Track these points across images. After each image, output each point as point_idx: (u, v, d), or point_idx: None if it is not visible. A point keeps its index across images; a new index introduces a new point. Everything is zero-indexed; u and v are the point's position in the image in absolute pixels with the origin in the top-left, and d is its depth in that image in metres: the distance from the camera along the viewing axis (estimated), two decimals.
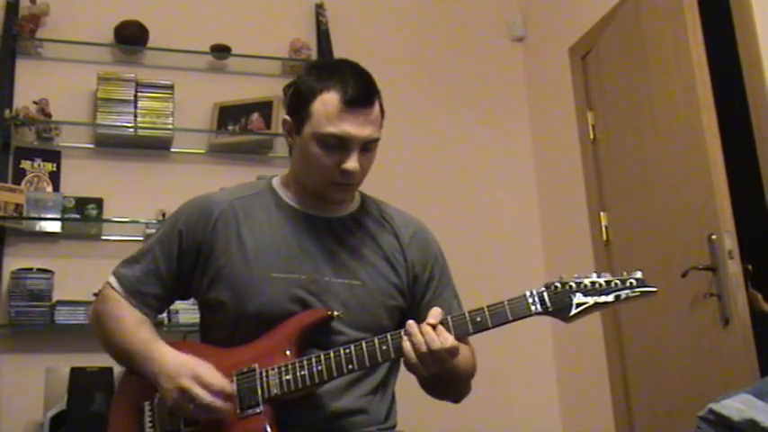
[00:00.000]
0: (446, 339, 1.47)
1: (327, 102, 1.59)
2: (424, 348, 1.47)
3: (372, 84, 1.65)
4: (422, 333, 1.48)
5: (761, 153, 2.58)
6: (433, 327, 1.48)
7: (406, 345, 1.48)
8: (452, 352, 1.48)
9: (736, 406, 1.72)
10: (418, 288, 1.74)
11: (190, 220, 1.69)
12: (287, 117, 1.69)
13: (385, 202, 1.85)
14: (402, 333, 1.51)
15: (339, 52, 3.64)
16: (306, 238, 1.68)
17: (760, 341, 2.44)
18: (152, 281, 1.69)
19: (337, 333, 1.61)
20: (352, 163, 1.60)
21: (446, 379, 1.62)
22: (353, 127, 1.59)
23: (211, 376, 1.52)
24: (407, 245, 1.75)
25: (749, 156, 2.61)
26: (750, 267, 2.62)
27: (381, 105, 1.67)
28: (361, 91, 1.60)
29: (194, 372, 1.52)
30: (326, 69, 1.66)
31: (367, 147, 1.63)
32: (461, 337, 1.52)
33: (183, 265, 1.69)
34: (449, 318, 1.51)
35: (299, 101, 1.65)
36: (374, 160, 1.68)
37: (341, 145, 1.60)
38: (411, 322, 1.51)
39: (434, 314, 1.51)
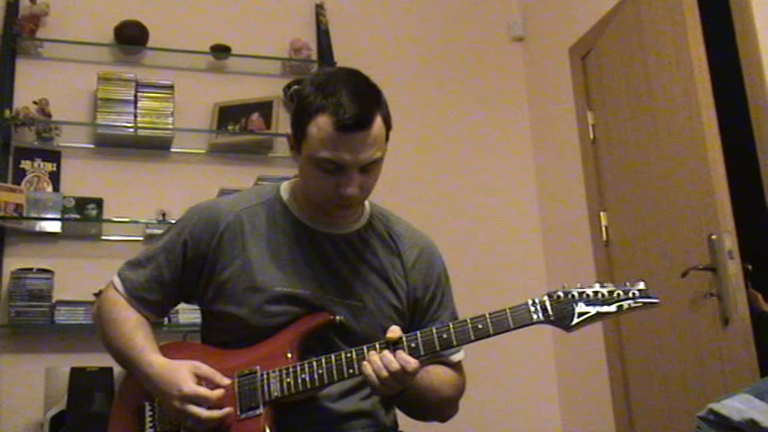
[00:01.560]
0: (401, 358, 1.47)
1: (321, 126, 1.52)
2: (384, 372, 1.46)
3: (371, 102, 1.56)
4: (378, 357, 1.49)
5: (761, 153, 2.58)
6: (389, 343, 1.50)
7: (367, 367, 1.48)
8: (406, 371, 1.47)
9: (736, 406, 1.72)
10: (418, 310, 1.73)
11: (195, 231, 1.68)
12: (290, 131, 1.64)
13: (395, 215, 1.81)
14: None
15: (339, 52, 3.64)
16: (310, 255, 1.66)
17: (760, 341, 2.44)
18: (155, 288, 1.68)
19: (336, 349, 1.59)
20: (350, 188, 1.55)
21: (421, 401, 1.62)
22: (349, 152, 1.52)
23: (201, 391, 1.52)
24: (411, 268, 1.73)
25: (749, 156, 2.61)
26: (750, 267, 2.62)
27: (386, 119, 1.59)
28: (357, 114, 1.51)
29: (182, 393, 1.52)
30: (324, 87, 1.55)
31: (368, 167, 1.57)
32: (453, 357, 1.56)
33: (186, 275, 1.68)
34: (451, 325, 1.51)
35: (297, 119, 1.59)
36: (379, 175, 1.63)
37: (338, 169, 1.55)
38: (372, 352, 1.51)
39: (393, 330, 1.52)
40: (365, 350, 1.52)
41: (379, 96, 1.59)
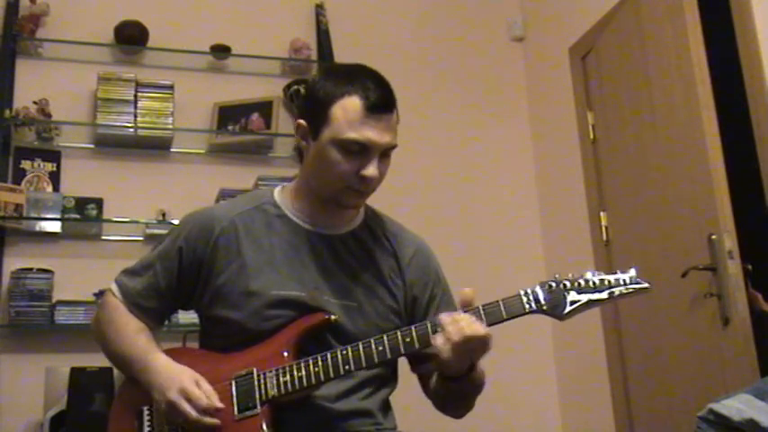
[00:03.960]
0: (478, 328, 1.46)
1: (349, 107, 1.57)
2: (456, 338, 1.45)
3: (392, 90, 1.63)
4: (454, 322, 1.46)
5: (761, 153, 2.58)
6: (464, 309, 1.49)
7: (438, 337, 1.47)
8: (484, 341, 1.47)
9: (737, 406, 1.72)
10: (419, 309, 1.74)
11: (190, 237, 1.68)
12: (301, 121, 1.66)
13: (387, 216, 1.83)
14: (428, 325, 1.50)
15: (339, 52, 3.64)
16: (306, 256, 1.67)
17: (760, 341, 2.44)
18: (152, 296, 1.69)
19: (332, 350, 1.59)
20: (371, 170, 1.58)
21: (466, 390, 1.61)
22: (375, 133, 1.57)
23: (199, 393, 1.53)
24: (407, 266, 1.74)
25: (749, 156, 2.61)
26: (750, 267, 2.62)
27: (397, 112, 1.64)
28: (383, 96, 1.58)
29: (182, 387, 1.54)
30: (345, 74, 1.62)
31: (385, 153, 1.61)
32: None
33: (183, 282, 1.69)
34: (480, 307, 1.50)
35: (316, 105, 1.61)
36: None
37: (361, 151, 1.58)
38: (442, 315, 1.49)
39: (464, 299, 1.51)
40: (360, 346, 1.52)
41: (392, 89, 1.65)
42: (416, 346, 1.52)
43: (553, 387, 3.72)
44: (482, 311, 1.50)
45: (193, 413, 1.52)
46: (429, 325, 1.52)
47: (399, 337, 1.52)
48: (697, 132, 2.64)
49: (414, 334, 1.51)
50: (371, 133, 1.57)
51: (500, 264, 3.75)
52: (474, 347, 1.47)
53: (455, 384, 1.57)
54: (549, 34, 3.94)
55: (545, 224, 3.90)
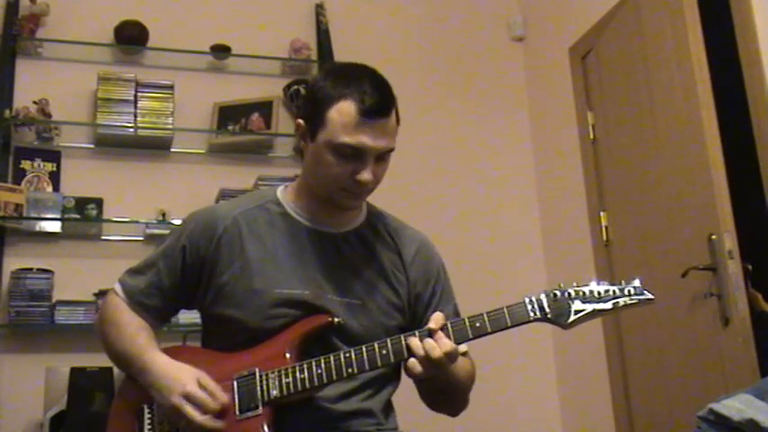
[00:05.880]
0: (444, 344, 1.48)
1: (344, 111, 1.56)
2: (423, 362, 1.48)
3: (390, 93, 1.62)
4: (422, 344, 1.49)
5: (761, 153, 2.58)
6: (432, 333, 1.50)
7: (410, 361, 1.49)
8: (450, 356, 1.49)
9: (737, 406, 1.72)
10: (420, 306, 1.74)
11: (193, 236, 1.69)
12: (300, 121, 1.66)
13: (390, 214, 1.83)
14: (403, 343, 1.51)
15: (339, 52, 3.64)
16: (309, 254, 1.67)
17: (760, 341, 2.44)
18: (155, 294, 1.69)
19: (335, 350, 1.58)
20: (365, 174, 1.58)
21: (444, 388, 1.62)
22: (369, 138, 1.56)
23: (203, 396, 1.52)
24: (410, 263, 1.74)
25: (749, 156, 2.61)
26: (750, 267, 2.62)
27: (397, 114, 1.64)
28: (379, 101, 1.57)
29: (184, 390, 1.53)
30: (344, 76, 1.61)
31: (382, 156, 1.61)
32: (459, 350, 1.54)
33: (186, 280, 1.69)
34: (449, 323, 1.52)
35: (314, 106, 1.62)
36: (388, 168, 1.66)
37: (356, 155, 1.57)
38: (411, 339, 1.51)
39: (436, 319, 1.52)
40: (363, 349, 1.53)
41: (393, 91, 1.64)
42: None
43: (553, 387, 3.72)
44: (486, 318, 1.50)
45: (198, 417, 1.51)
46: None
47: (403, 341, 1.52)
48: (697, 132, 2.64)
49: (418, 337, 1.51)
50: (365, 138, 1.56)
51: (500, 264, 3.75)
52: (439, 364, 1.49)
53: (428, 383, 1.58)
54: (549, 34, 3.94)
55: (545, 224, 3.90)
